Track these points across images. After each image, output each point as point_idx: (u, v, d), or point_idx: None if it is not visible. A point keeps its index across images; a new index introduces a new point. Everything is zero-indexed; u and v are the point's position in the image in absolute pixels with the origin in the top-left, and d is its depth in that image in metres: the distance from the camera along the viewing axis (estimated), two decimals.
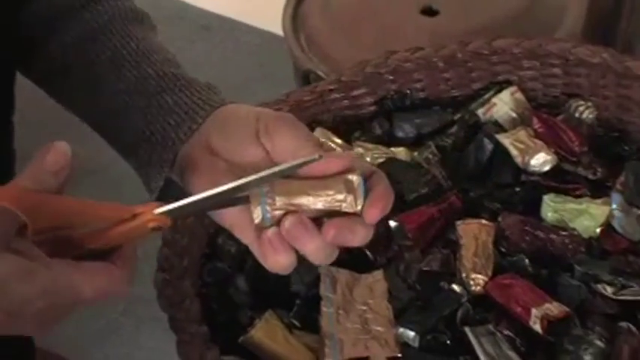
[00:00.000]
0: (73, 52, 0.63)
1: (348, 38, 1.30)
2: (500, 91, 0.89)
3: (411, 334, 0.70)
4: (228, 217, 0.51)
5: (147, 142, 0.57)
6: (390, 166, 0.84)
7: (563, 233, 0.76)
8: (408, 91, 0.91)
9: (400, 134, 0.89)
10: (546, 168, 0.81)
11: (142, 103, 0.58)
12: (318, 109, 0.89)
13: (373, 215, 0.49)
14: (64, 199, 0.47)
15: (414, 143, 0.88)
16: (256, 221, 0.49)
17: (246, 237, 0.51)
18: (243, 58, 2.50)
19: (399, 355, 0.69)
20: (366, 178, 0.49)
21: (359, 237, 0.49)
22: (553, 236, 0.76)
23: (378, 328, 0.70)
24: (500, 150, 0.84)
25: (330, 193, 0.48)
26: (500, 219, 0.77)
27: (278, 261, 0.49)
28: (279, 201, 0.48)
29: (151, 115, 0.57)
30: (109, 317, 1.81)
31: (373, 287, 0.74)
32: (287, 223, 0.48)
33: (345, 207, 0.48)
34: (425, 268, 0.74)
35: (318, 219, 0.49)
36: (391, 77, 0.90)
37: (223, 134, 0.54)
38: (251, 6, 2.46)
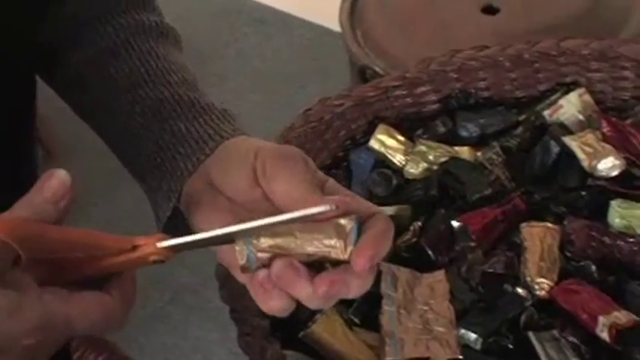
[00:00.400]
0: (92, 66, 0.62)
1: (406, 34, 1.29)
2: (567, 92, 0.88)
3: (473, 336, 0.69)
4: (225, 256, 0.49)
5: (157, 169, 0.55)
6: (453, 166, 0.83)
7: (631, 240, 0.74)
8: (473, 90, 0.90)
9: (464, 134, 0.88)
10: (614, 173, 0.80)
11: (155, 128, 0.56)
12: (382, 105, 0.88)
13: (360, 265, 0.44)
14: (62, 230, 0.46)
15: (477, 143, 0.87)
16: (241, 263, 0.46)
17: (241, 277, 0.48)
18: (296, 52, 2.50)
19: (460, 357, 0.68)
20: (363, 222, 0.46)
21: (354, 291, 0.45)
22: (620, 243, 0.74)
23: (440, 329, 0.70)
24: (567, 153, 0.82)
25: (319, 237, 0.45)
26: (565, 223, 0.76)
27: (272, 306, 0.46)
28: (264, 242, 0.45)
29: (163, 141, 0.55)
30: (155, 305, 1.83)
31: (434, 287, 0.73)
32: (275, 267, 0.45)
33: (334, 254, 0.44)
34: (488, 270, 0.73)
35: (315, 263, 0.46)
36: (456, 75, 0.89)
37: (222, 170, 0.51)
38: (306, 0, 2.46)
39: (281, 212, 0.46)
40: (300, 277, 0.44)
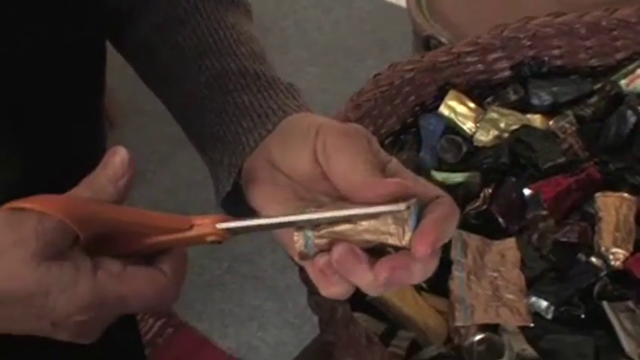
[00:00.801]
0: (160, 33, 0.61)
1: (471, 4, 1.28)
2: None
3: (544, 304, 0.68)
4: (282, 237, 0.48)
5: (220, 142, 0.54)
6: (524, 134, 0.82)
7: None
8: (546, 58, 0.89)
9: (535, 102, 0.86)
10: None
11: (218, 99, 0.55)
12: (453, 72, 0.87)
13: (420, 252, 0.42)
14: (120, 209, 0.46)
15: (549, 112, 0.85)
16: (299, 249, 0.45)
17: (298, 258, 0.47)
18: (355, 25, 2.49)
19: (531, 324, 0.67)
20: (425, 205, 0.44)
21: (417, 276, 0.44)
22: None
23: (510, 296, 0.69)
24: None
25: (377, 223, 0.43)
26: None
27: (332, 291, 0.45)
28: (323, 229, 0.44)
29: (226, 114, 0.54)
30: (213, 273, 1.86)
31: (505, 254, 0.73)
32: (336, 252, 0.43)
33: (392, 240, 0.43)
34: (561, 239, 0.72)
35: (376, 248, 0.44)
36: (529, 43, 0.88)
37: (283, 147, 0.50)
38: None
39: (340, 194, 0.45)
40: (360, 264, 0.43)
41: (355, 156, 0.45)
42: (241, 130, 0.53)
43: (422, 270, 0.44)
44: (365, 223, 0.43)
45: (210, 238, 0.46)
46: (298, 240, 0.45)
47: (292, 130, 0.51)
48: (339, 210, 0.44)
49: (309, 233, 0.44)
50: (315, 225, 0.44)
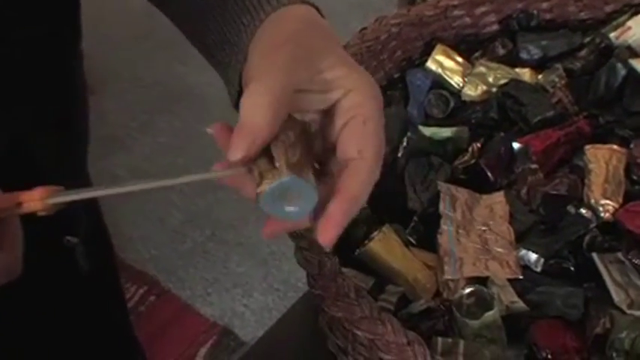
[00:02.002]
0: None
1: None
2: (636, 14, 0.86)
3: (534, 256, 0.69)
4: (231, 181, 0.48)
5: (227, 43, 0.54)
6: (513, 88, 0.82)
7: None
8: (535, 12, 0.89)
9: (524, 56, 0.87)
10: None
11: (220, 1, 0.55)
12: (440, 26, 0.87)
13: (325, 240, 0.46)
14: None
15: (538, 66, 0.86)
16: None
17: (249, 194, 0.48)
18: None
19: (521, 277, 0.68)
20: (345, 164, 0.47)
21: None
22: None
23: (499, 250, 0.70)
24: (633, 76, 0.81)
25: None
26: (632, 146, 0.75)
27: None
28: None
29: (229, 13, 0.54)
30: (195, 240, 1.86)
31: (494, 208, 0.73)
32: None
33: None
34: (550, 192, 0.72)
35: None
36: None
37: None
38: None
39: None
40: None
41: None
42: (242, 27, 0.53)
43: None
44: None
45: (40, 214, 0.47)
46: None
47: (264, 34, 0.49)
48: (173, 179, 0.45)
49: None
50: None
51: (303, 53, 0.46)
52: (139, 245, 1.84)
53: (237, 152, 0.44)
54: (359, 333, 0.61)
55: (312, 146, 0.48)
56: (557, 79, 0.83)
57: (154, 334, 1.67)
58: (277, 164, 0.45)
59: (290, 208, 0.46)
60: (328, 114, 0.48)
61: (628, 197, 0.72)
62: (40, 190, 0.47)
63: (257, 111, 0.44)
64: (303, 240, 0.67)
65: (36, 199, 0.46)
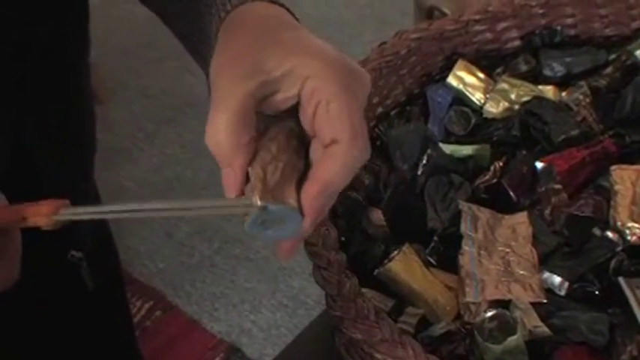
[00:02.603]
0: None
1: None
2: None
3: (558, 280, 0.69)
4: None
5: (205, 35, 0.54)
6: (536, 106, 0.82)
7: None
8: (558, 28, 0.88)
9: (548, 73, 0.86)
10: None
11: None
12: (461, 41, 0.87)
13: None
14: None
15: (562, 83, 0.86)
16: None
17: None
18: None
19: (544, 301, 0.67)
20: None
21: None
22: None
23: (522, 272, 0.69)
24: None
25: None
26: None
27: None
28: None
29: (203, 5, 0.54)
30: (203, 254, 1.86)
31: (516, 229, 0.73)
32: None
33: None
34: (575, 213, 0.72)
35: None
36: (541, 11, 0.88)
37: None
38: None
39: None
40: None
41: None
42: (213, 17, 0.52)
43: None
44: None
45: (45, 228, 0.47)
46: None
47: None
48: (184, 202, 0.45)
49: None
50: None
51: (249, 63, 0.46)
52: (146, 259, 1.84)
53: (229, 190, 0.45)
54: (378, 356, 0.61)
55: (301, 148, 0.48)
56: (581, 97, 0.82)
57: (160, 350, 1.66)
58: (254, 192, 0.44)
59: (277, 233, 0.46)
60: (300, 109, 0.47)
61: None
62: (47, 205, 0.47)
63: (219, 140, 0.45)
64: (321, 259, 0.67)
65: (42, 214, 0.46)
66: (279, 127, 0.47)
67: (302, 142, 0.48)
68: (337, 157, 0.45)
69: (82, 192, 0.73)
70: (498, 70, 0.88)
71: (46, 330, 0.74)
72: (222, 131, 0.45)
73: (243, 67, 0.46)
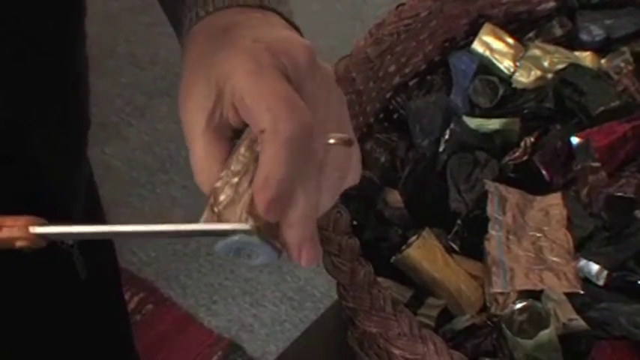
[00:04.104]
0: None
1: None
2: None
3: (595, 268, 0.69)
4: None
5: (181, 25, 0.55)
6: (572, 74, 0.82)
7: None
8: None
9: (585, 37, 0.87)
10: None
11: None
12: (488, 2, 0.87)
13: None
14: None
15: (601, 49, 0.86)
16: None
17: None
18: None
19: (580, 291, 0.68)
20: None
21: None
22: None
23: (555, 259, 0.70)
24: None
25: None
26: None
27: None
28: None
29: None
30: (199, 242, 1.87)
31: (549, 212, 0.73)
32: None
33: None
34: (616, 194, 0.72)
35: None
36: None
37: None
38: None
39: None
40: None
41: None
42: (188, 11, 0.53)
43: None
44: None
45: (19, 243, 0.47)
46: None
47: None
48: (167, 225, 0.46)
49: None
50: None
51: (202, 85, 0.47)
52: (135, 246, 1.85)
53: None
54: (396, 352, 0.61)
55: None
56: (622, 65, 0.83)
57: (151, 348, 1.68)
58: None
59: (253, 261, 0.46)
60: None
61: None
62: (27, 217, 0.47)
63: (200, 171, 0.47)
64: (332, 244, 0.67)
65: (20, 226, 0.47)
66: (243, 137, 0.48)
67: None
68: (267, 145, 0.44)
69: (77, 172, 0.74)
70: (530, 34, 0.88)
71: (36, 323, 0.75)
72: (202, 163, 0.46)
73: (198, 94, 0.47)
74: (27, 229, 0.47)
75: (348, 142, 0.46)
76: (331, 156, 0.46)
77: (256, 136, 0.46)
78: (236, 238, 0.44)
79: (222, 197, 0.46)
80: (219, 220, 0.45)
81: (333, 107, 0.48)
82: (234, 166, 0.46)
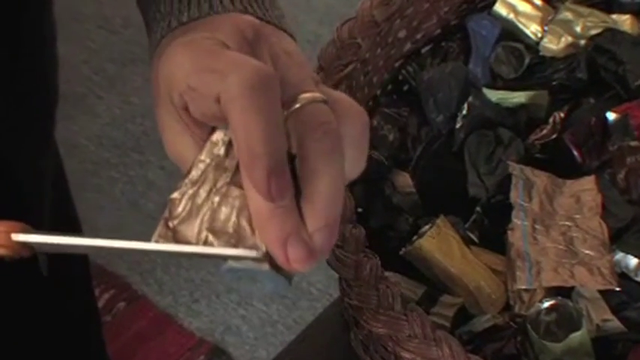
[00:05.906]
0: None
1: None
2: None
3: (634, 261, 0.70)
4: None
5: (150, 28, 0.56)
6: (608, 40, 0.83)
7: None
8: None
9: None
10: None
11: None
12: None
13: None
14: None
15: None
16: None
17: None
18: None
19: (617, 288, 0.68)
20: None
21: None
22: None
23: (588, 252, 0.70)
24: None
25: None
26: None
27: None
28: None
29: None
30: None
31: (581, 198, 0.74)
32: None
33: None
34: None
35: None
36: None
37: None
38: None
39: None
40: None
41: None
42: (159, 14, 0.54)
43: None
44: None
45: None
46: None
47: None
48: (168, 245, 0.45)
49: None
50: None
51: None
52: (105, 236, 1.85)
53: None
54: (406, 356, 0.62)
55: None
56: None
57: (123, 352, 1.68)
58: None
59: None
60: None
61: None
62: (10, 222, 0.47)
63: None
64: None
65: (1, 232, 0.47)
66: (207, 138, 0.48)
67: None
68: (230, 107, 0.42)
69: (43, 157, 0.74)
70: None
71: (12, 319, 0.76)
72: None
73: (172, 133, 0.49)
74: (9, 237, 0.46)
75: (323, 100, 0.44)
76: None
77: (217, 138, 0.46)
78: (241, 265, 0.44)
79: (178, 210, 0.45)
80: (175, 238, 0.45)
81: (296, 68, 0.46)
82: (193, 174, 0.46)
